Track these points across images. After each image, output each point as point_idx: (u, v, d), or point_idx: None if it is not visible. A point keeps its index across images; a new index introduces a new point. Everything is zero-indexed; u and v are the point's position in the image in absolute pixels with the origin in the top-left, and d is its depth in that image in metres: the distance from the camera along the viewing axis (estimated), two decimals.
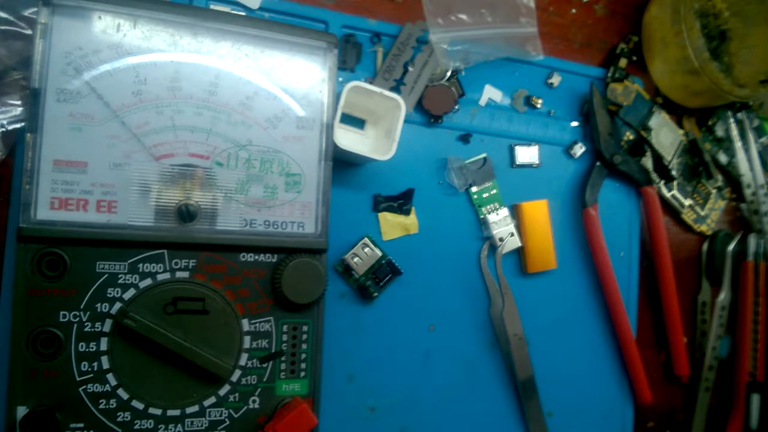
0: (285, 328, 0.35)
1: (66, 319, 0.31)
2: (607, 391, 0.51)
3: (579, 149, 0.50)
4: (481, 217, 0.46)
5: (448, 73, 0.45)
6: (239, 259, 0.34)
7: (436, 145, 0.46)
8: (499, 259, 0.46)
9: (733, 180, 0.59)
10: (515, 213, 0.48)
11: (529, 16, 0.45)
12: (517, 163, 0.48)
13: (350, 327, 0.42)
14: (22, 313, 0.30)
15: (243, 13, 0.40)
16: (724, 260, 0.57)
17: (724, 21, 0.51)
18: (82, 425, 0.31)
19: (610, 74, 0.51)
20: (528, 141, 0.49)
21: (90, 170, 0.31)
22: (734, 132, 0.58)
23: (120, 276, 0.32)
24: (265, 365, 0.35)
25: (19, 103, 0.35)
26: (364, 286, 0.42)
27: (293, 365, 0.36)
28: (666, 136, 0.54)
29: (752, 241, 0.57)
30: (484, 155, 0.47)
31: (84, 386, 0.31)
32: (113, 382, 0.31)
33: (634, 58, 0.53)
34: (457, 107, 0.46)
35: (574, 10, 0.52)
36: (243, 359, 0.34)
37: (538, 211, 0.47)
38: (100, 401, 0.31)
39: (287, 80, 0.35)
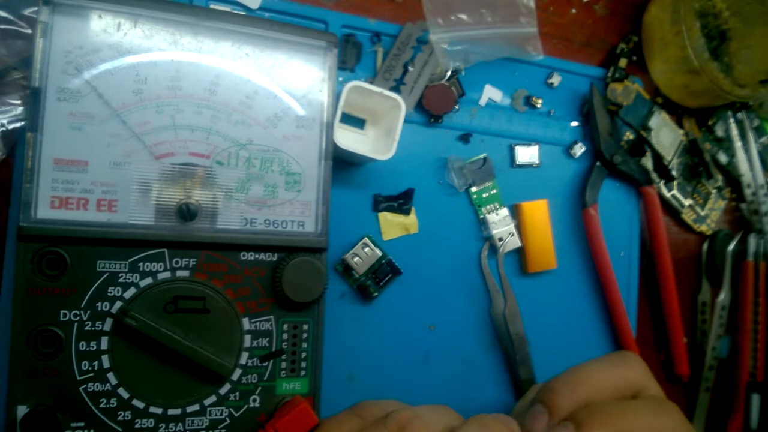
0: (285, 326, 0.35)
1: (66, 318, 0.31)
2: None
3: (579, 149, 0.50)
4: (481, 217, 0.46)
5: (448, 73, 0.45)
6: (240, 258, 0.34)
7: (436, 145, 0.46)
8: (501, 259, 0.46)
9: (733, 180, 0.59)
10: (515, 213, 0.48)
11: (529, 16, 0.45)
12: (517, 163, 0.48)
13: (350, 327, 0.42)
14: (23, 313, 0.30)
15: (243, 13, 0.40)
16: (724, 260, 0.57)
17: (724, 21, 0.52)
18: (82, 424, 0.31)
19: (610, 74, 0.52)
20: (528, 141, 0.49)
21: (90, 169, 0.31)
22: (734, 132, 0.58)
23: (120, 275, 0.32)
24: (265, 364, 0.35)
25: (19, 102, 0.35)
26: (364, 286, 0.42)
27: (293, 364, 0.36)
28: (666, 136, 0.54)
29: (752, 241, 0.57)
30: (484, 155, 0.47)
31: (84, 385, 0.31)
32: (114, 381, 0.31)
33: (634, 58, 0.53)
34: (457, 107, 0.46)
35: (574, 10, 0.53)
36: (243, 358, 0.34)
37: (538, 211, 0.48)
38: (101, 400, 0.31)
39: (287, 79, 0.35)
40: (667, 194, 0.54)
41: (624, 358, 0.37)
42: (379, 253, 0.42)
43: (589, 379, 0.35)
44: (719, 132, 0.58)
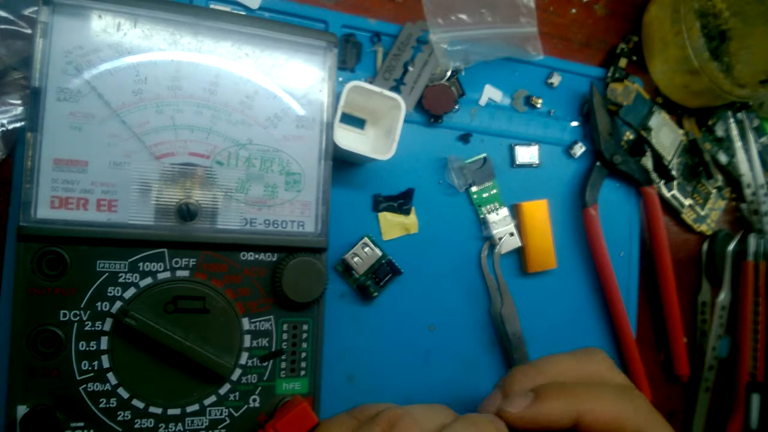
0: (285, 326, 0.35)
1: (66, 318, 0.31)
2: None
3: (579, 149, 0.50)
4: (481, 217, 0.46)
5: (448, 73, 0.45)
6: (239, 258, 0.34)
7: (436, 145, 0.46)
8: (497, 259, 0.46)
9: (733, 180, 0.59)
10: (515, 213, 0.48)
11: (529, 16, 0.45)
12: (517, 163, 0.48)
13: (350, 327, 0.42)
14: (23, 312, 0.30)
15: (243, 13, 0.40)
16: (724, 260, 0.57)
17: (724, 21, 0.52)
18: (82, 424, 0.31)
19: (610, 74, 0.52)
20: (528, 141, 0.49)
21: (90, 169, 0.31)
22: (734, 132, 0.58)
23: (120, 275, 0.32)
24: (265, 364, 0.35)
25: (19, 102, 0.35)
26: (364, 286, 0.42)
27: (293, 364, 0.36)
28: (666, 136, 0.54)
29: (752, 241, 0.57)
30: (484, 155, 0.47)
31: (84, 385, 0.31)
32: (113, 381, 0.31)
33: (634, 58, 0.53)
34: (457, 107, 0.46)
35: (574, 10, 0.53)
36: (243, 358, 0.34)
37: (538, 211, 0.48)
38: (101, 400, 0.31)
39: (287, 79, 0.35)
40: (667, 194, 0.55)
41: (588, 353, 0.37)
42: (379, 253, 0.42)
43: (551, 368, 0.35)
44: (719, 132, 0.58)
